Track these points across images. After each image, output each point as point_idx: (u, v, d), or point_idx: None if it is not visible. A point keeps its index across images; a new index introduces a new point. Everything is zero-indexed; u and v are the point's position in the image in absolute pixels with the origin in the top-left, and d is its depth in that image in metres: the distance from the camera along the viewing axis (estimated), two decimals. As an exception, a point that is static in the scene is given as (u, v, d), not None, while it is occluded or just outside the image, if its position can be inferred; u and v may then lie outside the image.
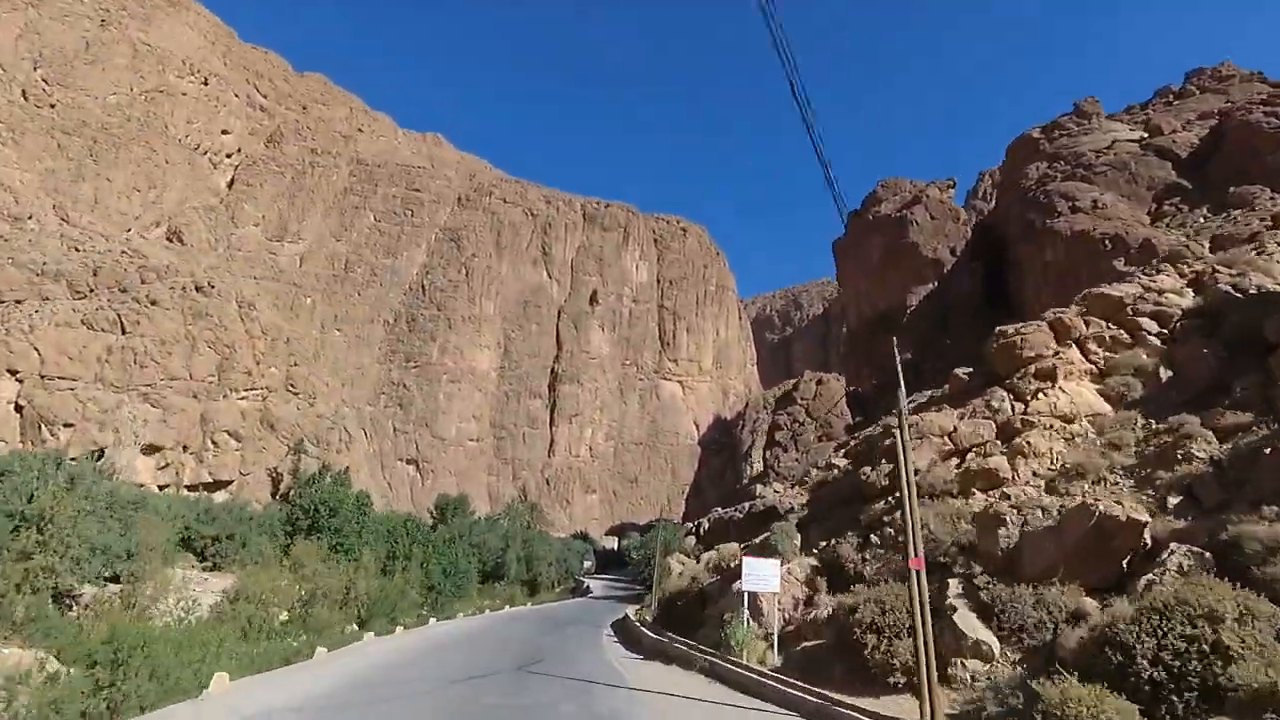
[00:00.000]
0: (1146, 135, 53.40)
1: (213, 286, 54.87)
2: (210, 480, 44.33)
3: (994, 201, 60.20)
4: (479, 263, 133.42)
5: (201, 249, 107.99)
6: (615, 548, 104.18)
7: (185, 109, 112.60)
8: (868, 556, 17.95)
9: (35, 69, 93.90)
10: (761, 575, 18.03)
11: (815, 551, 21.05)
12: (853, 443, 39.10)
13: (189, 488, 41.15)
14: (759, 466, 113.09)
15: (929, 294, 52.70)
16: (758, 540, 26.82)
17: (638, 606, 35.76)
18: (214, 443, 45.13)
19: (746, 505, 42.28)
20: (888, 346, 55.58)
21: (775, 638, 17.33)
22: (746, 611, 18.29)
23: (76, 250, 47.14)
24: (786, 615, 18.53)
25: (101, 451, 32.45)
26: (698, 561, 33.30)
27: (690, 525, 49.07)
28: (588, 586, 61.02)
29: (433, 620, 33.28)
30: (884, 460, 21.48)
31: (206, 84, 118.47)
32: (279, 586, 22.04)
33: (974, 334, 49.20)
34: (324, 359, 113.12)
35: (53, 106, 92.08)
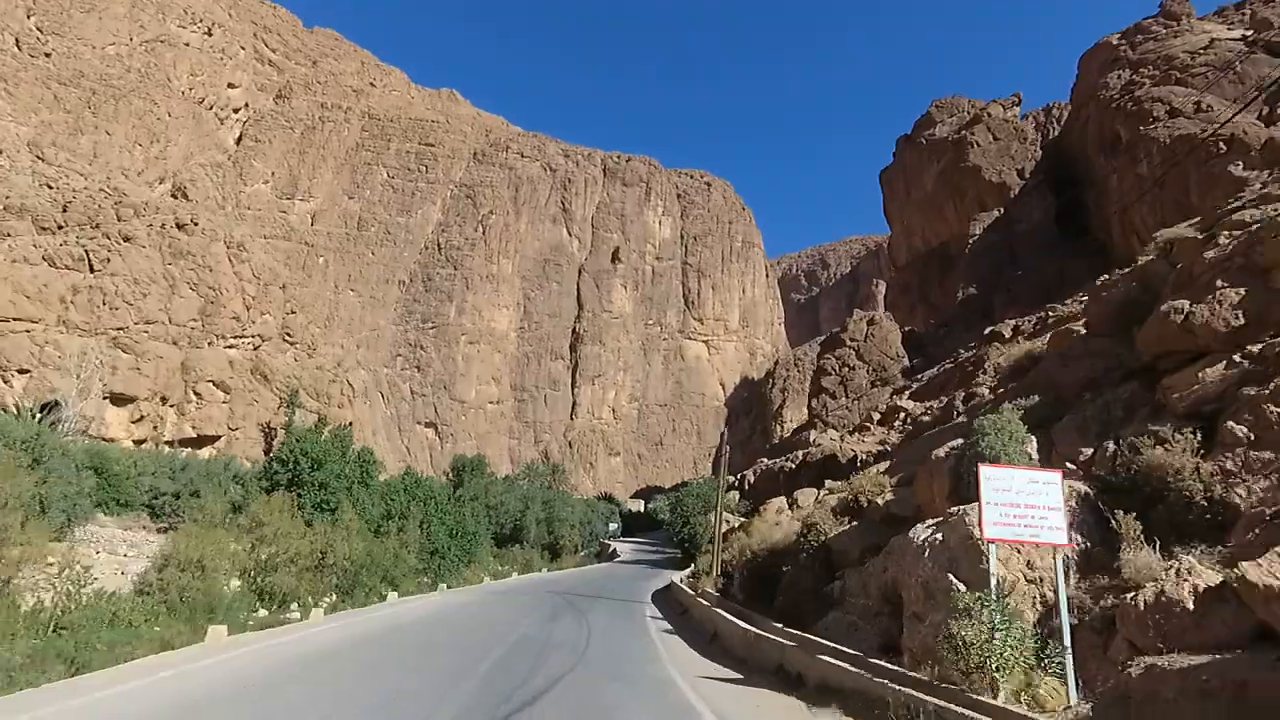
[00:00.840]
0: (1252, 31, 45.93)
1: (196, 224, 50.62)
2: (194, 435, 40.77)
3: (1064, 120, 53.14)
4: (496, 220, 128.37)
5: (209, 207, 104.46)
6: (642, 510, 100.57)
7: (188, 60, 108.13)
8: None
9: (29, 17, 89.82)
10: (1023, 503, 8.66)
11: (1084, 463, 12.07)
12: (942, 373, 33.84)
13: (169, 443, 37.57)
14: (801, 416, 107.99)
15: (994, 223, 46.56)
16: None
17: (684, 574, 31.98)
18: (197, 394, 41.40)
19: (799, 454, 37.47)
20: (950, 282, 49.68)
21: (1067, 650, 7.96)
22: (994, 589, 8.74)
23: (49, 187, 43.19)
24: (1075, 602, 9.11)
25: (54, 403, 28.58)
26: (748, 517, 28.70)
27: (732, 479, 44.68)
28: (614, 550, 57.78)
29: (442, 588, 29.25)
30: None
31: (210, 34, 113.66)
32: (223, 549, 17.70)
33: (1049, 264, 43.13)
34: (338, 320, 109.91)
35: (48, 56, 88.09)
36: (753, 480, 38.69)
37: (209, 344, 45.19)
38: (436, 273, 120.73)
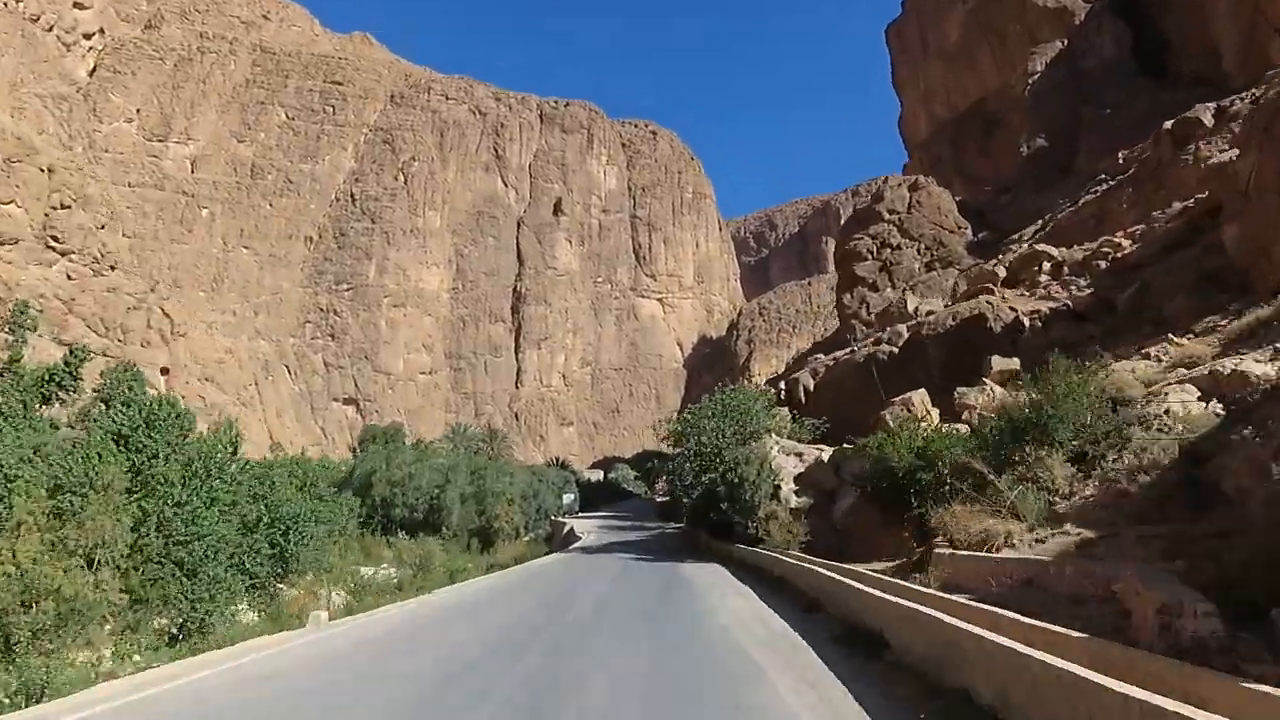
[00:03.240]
0: None
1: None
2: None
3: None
4: (419, 168, 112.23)
5: (53, 145, 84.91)
6: (603, 479, 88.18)
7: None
8: None
9: None
10: None
11: None
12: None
13: None
14: (771, 368, 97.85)
15: (1055, 58, 36.62)
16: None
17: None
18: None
19: (897, 332, 26.15)
20: (1000, 143, 39.17)
21: None
22: None
23: None
24: None
25: None
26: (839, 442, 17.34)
27: (769, 390, 32.57)
28: (571, 530, 40.95)
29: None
30: None
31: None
32: None
33: (1138, 97, 32.88)
34: (228, 281, 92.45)
35: None
36: (813, 385, 27.54)
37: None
38: (351, 227, 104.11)
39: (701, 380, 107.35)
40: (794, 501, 20.74)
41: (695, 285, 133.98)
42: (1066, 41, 36.92)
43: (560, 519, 51.73)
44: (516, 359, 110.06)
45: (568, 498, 57.54)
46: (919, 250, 33.92)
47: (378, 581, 21.92)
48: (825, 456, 22.79)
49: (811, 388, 28.74)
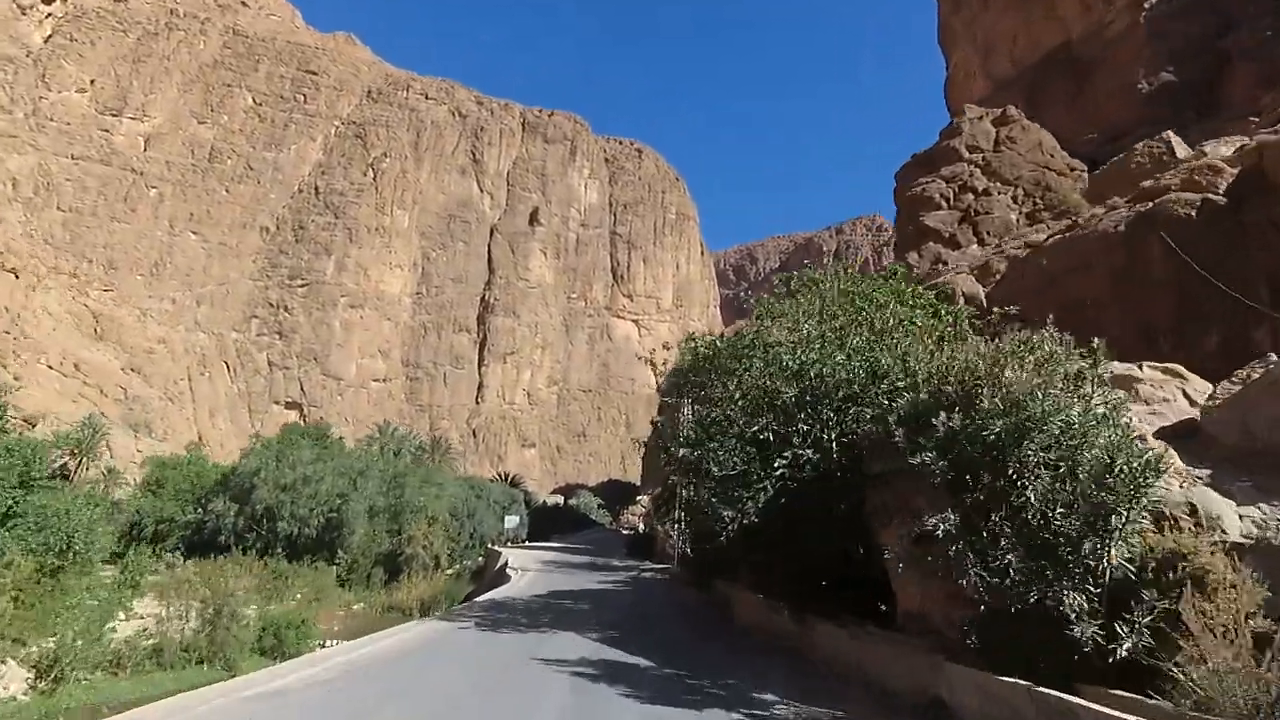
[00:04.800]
0: None
1: None
2: None
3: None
4: (391, 165, 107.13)
5: (-12, 107, 78.57)
6: (563, 504, 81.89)
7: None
8: None
9: None
10: None
11: None
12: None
13: None
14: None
15: None
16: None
17: None
18: None
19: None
20: (1096, 91, 34.26)
21: None
22: None
23: None
24: None
25: None
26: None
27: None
28: (505, 567, 30.23)
29: None
30: None
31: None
32: None
33: None
34: (170, 267, 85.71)
35: None
36: (1004, 270, 19.99)
37: None
38: (312, 220, 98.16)
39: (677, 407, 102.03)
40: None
41: (674, 308, 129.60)
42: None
43: (500, 547, 43.92)
44: (479, 372, 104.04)
45: (510, 520, 47.62)
46: (1015, 198, 28.20)
47: (139, 645, 15.12)
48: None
49: (1002, 272, 19.38)
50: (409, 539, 28.52)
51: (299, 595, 22.64)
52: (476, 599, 21.24)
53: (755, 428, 13.69)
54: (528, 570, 29.92)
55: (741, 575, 17.98)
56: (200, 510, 28.57)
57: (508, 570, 28.75)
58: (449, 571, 32.84)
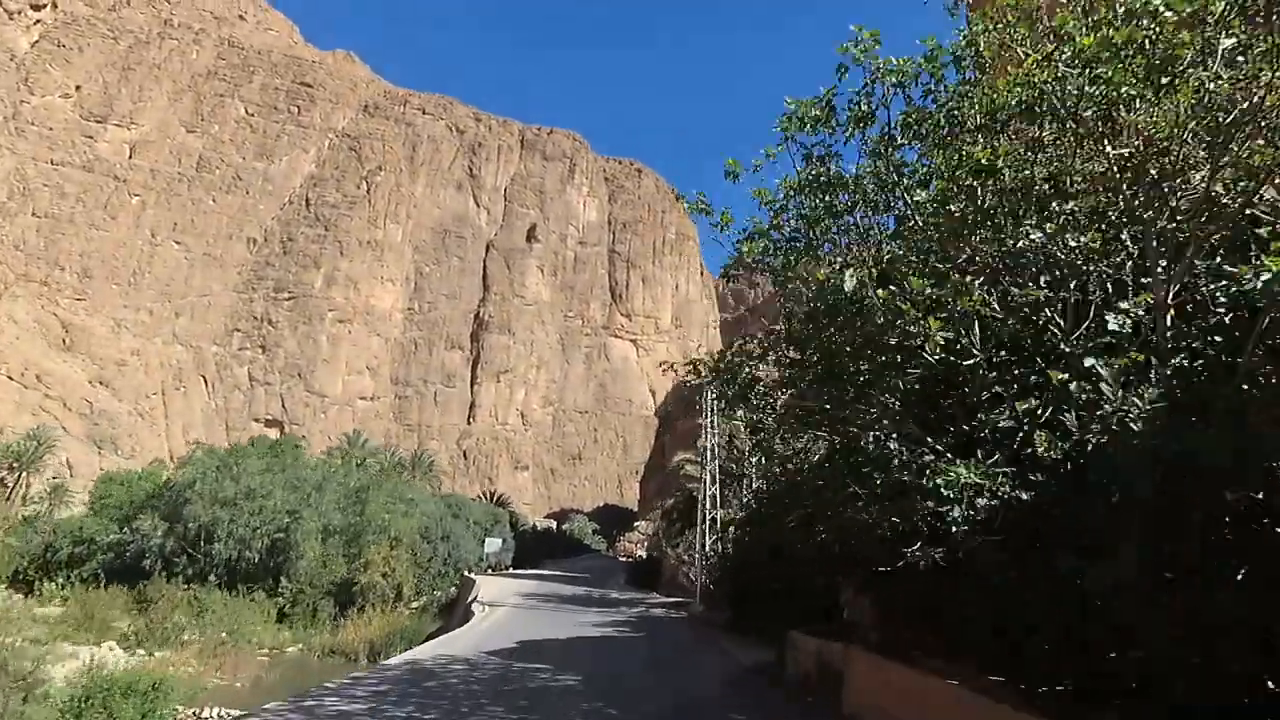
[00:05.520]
0: None
1: None
2: None
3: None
4: (385, 179, 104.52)
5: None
6: (556, 529, 77.45)
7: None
8: None
9: None
10: None
11: None
12: None
13: None
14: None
15: None
16: None
17: None
18: None
19: None
20: None
21: None
22: None
23: None
24: None
25: None
26: None
27: None
28: (474, 602, 24.72)
29: None
30: None
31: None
32: None
33: None
34: (150, 277, 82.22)
35: None
36: None
37: None
38: (301, 233, 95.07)
39: (675, 428, 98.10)
40: None
41: (673, 329, 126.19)
42: None
43: (477, 575, 37.27)
44: (471, 391, 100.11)
45: (491, 544, 42.03)
46: None
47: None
48: None
49: None
50: (366, 564, 24.13)
51: (199, 635, 18.26)
52: (389, 662, 14.79)
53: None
54: (500, 605, 23.95)
55: (899, 628, 9.09)
56: (126, 530, 24.44)
57: (474, 606, 23.14)
58: (415, 604, 27.90)
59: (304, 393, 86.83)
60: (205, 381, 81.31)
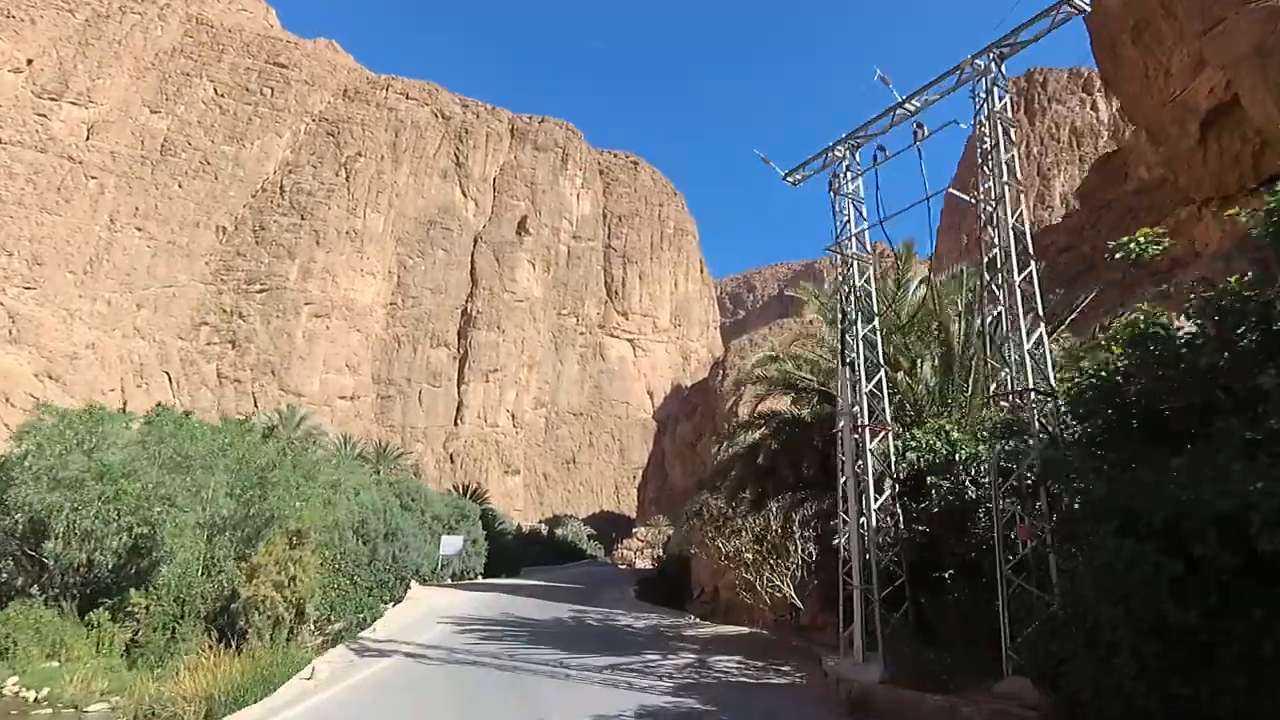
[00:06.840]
0: None
1: None
2: None
3: None
4: (366, 165, 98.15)
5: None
6: (548, 534, 71.31)
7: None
8: None
9: None
10: None
11: None
12: None
13: None
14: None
15: None
16: None
17: None
18: None
19: None
20: None
21: None
22: None
23: None
24: None
25: None
26: None
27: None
28: (369, 637, 17.02)
29: None
30: None
31: None
32: None
33: None
34: (108, 265, 75.18)
35: None
36: None
37: None
38: (274, 221, 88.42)
39: (675, 429, 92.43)
40: None
41: (671, 328, 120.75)
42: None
43: (422, 586, 29.31)
44: (458, 391, 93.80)
45: (450, 544, 33.07)
46: None
47: None
48: None
49: None
50: (251, 571, 16.97)
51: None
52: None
53: None
54: (390, 652, 14.62)
55: None
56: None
57: (364, 654, 14.34)
58: (332, 628, 19.22)
59: (278, 391, 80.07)
60: (169, 378, 74.44)
